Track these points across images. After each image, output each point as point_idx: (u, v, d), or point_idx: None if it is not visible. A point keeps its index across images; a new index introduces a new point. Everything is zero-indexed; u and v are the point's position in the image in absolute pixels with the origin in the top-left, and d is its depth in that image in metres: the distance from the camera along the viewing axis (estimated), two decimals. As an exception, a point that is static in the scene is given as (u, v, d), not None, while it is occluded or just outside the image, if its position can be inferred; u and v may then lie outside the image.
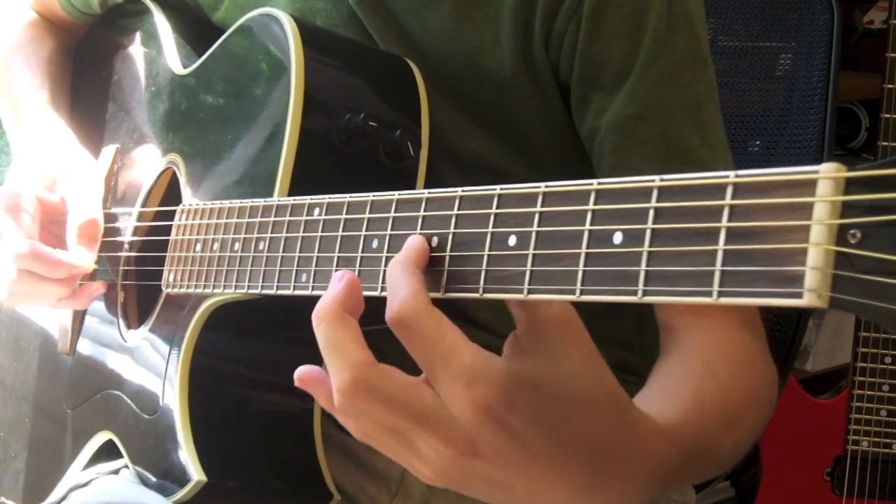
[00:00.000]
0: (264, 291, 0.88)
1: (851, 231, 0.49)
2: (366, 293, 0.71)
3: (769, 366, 0.96)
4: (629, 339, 1.19)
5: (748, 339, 0.95)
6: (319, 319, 0.68)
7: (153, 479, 1.03)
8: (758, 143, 1.61)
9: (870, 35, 2.52)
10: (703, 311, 0.96)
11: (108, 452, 1.13)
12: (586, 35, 0.99)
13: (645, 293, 0.56)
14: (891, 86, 1.78)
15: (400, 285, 0.66)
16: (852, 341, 1.86)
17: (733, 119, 1.61)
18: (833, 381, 2.14)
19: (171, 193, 1.17)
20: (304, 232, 0.83)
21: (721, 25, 1.67)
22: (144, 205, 1.19)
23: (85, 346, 1.24)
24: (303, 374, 0.71)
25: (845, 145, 2.59)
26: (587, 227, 0.60)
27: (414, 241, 0.69)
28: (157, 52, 1.25)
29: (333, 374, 0.67)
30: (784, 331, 1.52)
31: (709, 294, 0.53)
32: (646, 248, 0.56)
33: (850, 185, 0.49)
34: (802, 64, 1.55)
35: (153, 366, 1.07)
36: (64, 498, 1.11)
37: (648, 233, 0.57)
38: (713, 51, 1.63)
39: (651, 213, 0.57)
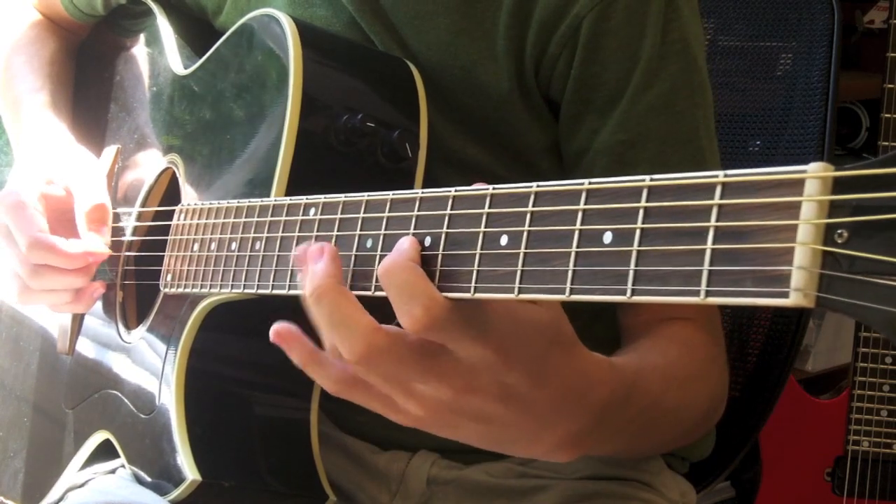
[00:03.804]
0: (260, 291, 0.88)
1: (839, 231, 0.49)
2: (359, 293, 0.72)
3: (721, 372, 1.00)
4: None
5: (705, 342, 0.99)
6: (320, 297, 0.70)
7: (149, 478, 1.03)
8: (758, 143, 1.61)
9: (870, 35, 2.52)
10: (665, 316, 1.00)
11: (105, 452, 1.13)
12: (582, 61, 1.00)
13: (634, 292, 0.56)
14: (891, 86, 1.78)
15: (420, 289, 0.67)
16: (853, 341, 1.86)
17: (733, 119, 1.60)
18: (833, 381, 2.14)
19: (170, 193, 1.17)
20: (299, 231, 0.83)
21: (721, 25, 1.67)
22: (144, 205, 1.20)
23: (84, 346, 1.24)
24: (280, 329, 0.73)
25: (846, 145, 2.59)
26: (577, 226, 0.60)
27: (408, 243, 0.70)
28: (158, 53, 1.25)
29: (346, 345, 0.69)
30: (784, 331, 1.51)
31: (696, 294, 0.53)
32: (635, 247, 0.57)
33: (838, 185, 0.49)
34: (803, 64, 1.54)
35: (150, 365, 1.07)
36: (61, 498, 1.11)
37: (638, 232, 0.57)
38: (713, 51, 1.64)
39: (640, 212, 0.57)
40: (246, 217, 0.92)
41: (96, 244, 1.13)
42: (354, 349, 0.68)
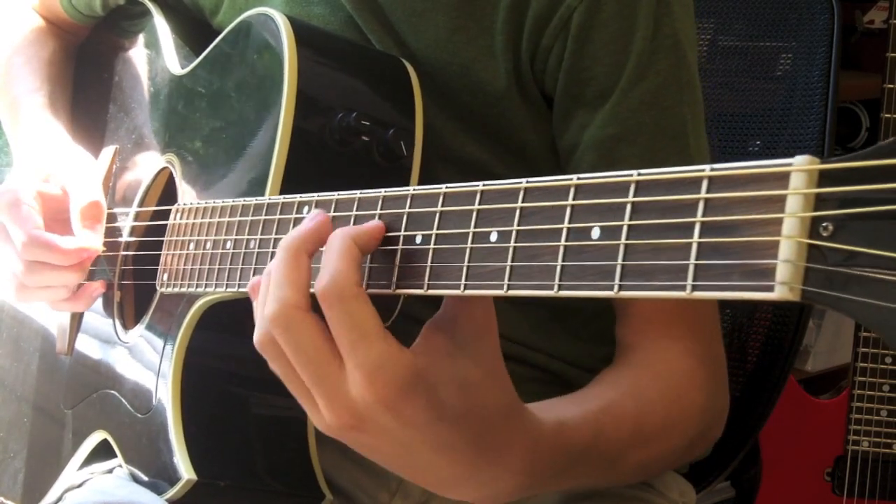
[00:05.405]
0: None
1: (824, 224, 0.49)
2: None
3: (710, 399, 0.98)
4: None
5: (692, 368, 0.97)
6: (280, 248, 0.71)
7: (146, 477, 1.03)
8: (758, 143, 1.61)
9: (870, 35, 2.51)
10: (657, 333, 0.99)
11: (103, 452, 1.13)
12: (572, 53, 1.00)
13: (621, 288, 0.56)
14: (891, 86, 1.78)
15: (335, 258, 0.68)
16: (852, 341, 1.85)
17: (733, 119, 1.60)
18: (833, 381, 2.13)
19: (168, 193, 1.17)
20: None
21: (721, 25, 1.67)
22: (142, 205, 1.20)
23: (83, 346, 1.24)
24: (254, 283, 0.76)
25: (845, 145, 2.58)
26: (566, 223, 0.60)
27: (369, 224, 0.72)
28: (156, 54, 1.25)
29: (268, 304, 0.70)
30: (784, 331, 1.51)
31: (683, 288, 0.53)
32: (622, 242, 0.57)
33: (823, 178, 0.49)
34: (803, 64, 1.54)
35: (147, 365, 1.07)
36: (59, 499, 1.11)
37: (625, 228, 0.57)
38: (713, 51, 1.64)
39: (628, 208, 0.57)
40: (240, 216, 0.92)
41: (90, 241, 1.14)
42: (267, 308, 0.69)
